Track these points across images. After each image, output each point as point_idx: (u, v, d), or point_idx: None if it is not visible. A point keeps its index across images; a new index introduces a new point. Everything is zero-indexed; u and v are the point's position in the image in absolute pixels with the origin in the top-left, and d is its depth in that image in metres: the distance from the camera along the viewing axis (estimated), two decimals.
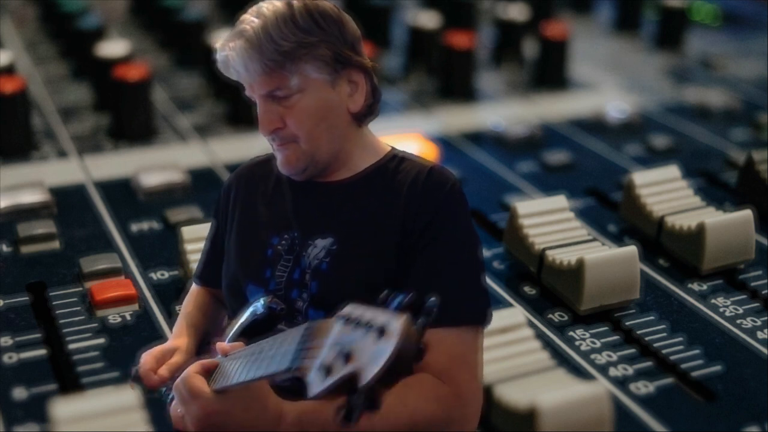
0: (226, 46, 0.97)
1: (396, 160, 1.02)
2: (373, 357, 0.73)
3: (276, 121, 0.97)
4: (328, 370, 0.75)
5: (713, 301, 1.45)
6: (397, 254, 0.96)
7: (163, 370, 1.04)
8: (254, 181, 1.07)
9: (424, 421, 0.93)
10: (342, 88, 0.98)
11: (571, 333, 1.36)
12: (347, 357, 0.74)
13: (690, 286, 1.48)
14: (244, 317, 0.99)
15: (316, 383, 0.76)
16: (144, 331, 1.34)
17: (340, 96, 0.98)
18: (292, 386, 0.93)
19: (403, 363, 0.73)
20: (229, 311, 1.06)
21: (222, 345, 0.96)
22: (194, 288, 1.15)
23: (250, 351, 0.90)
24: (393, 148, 1.04)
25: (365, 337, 0.74)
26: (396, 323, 0.73)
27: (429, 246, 0.96)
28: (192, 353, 1.08)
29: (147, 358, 1.05)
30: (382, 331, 0.73)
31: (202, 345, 1.11)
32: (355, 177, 1.01)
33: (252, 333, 0.97)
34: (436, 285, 0.95)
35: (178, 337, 1.10)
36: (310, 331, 0.81)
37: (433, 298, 0.76)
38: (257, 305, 0.98)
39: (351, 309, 0.78)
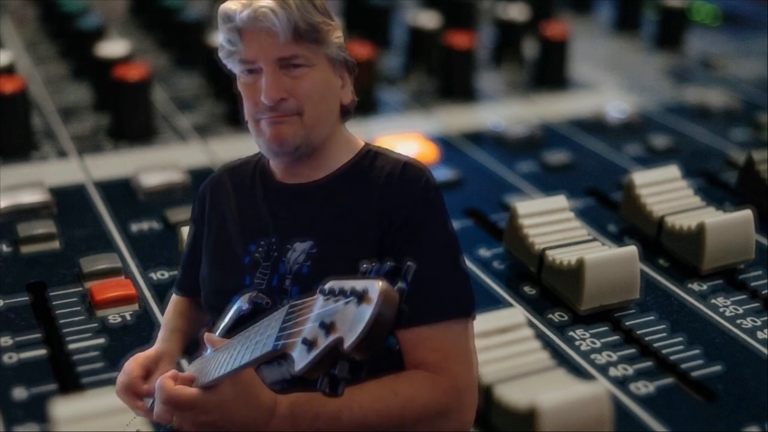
0: (257, 2, 0.95)
1: (370, 156, 1.02)
2: (353, 322, 0.73)
3: (282, 91, 0.97)
4: (311, 345, 0.75)
5: (713, 301, 1.45)
6: (378, 251, 0.96)
7: (154, 381, 1.01)
8: (228, 189, 1.07)
9: (416, 412, 0.93)
10: (338, 79, 1.01)
11: (571, 333, 1.36)
12: (329, 328, 0.75)
13: (690, 286, 1.48)
14: (230, 314, 0.99)
15: (301, 359, 0.76)
16: (144, 331, 1.34)
17: (338, 83, 1.01)
18: (284, 380, 0.94)
19: (384, 327, 0.73)
20: (212, 319, 1.05)
21: (210, 336, 0.96)
22: (175, 297, 1.15)
23: (236, 341, 0.90)
24: (366, 144, 1.05)
25: (346, 306, 0.75)
26: (375, 287, 0.74)
27: (408, 243, 0.96)
28: (177, 359, 1.08)
29: (133, 367, 1.04)
30: (361, 297, 0.74)
31: (188, 349, 1.10)
32: (330, 176, 1.01)
33: (239, 329, 0.97)
34: (419, 283, 0.94)
35: (162, 342, 1.09)
36: (292, 310, 0.82)
37: (409, 263, 0.76)
38: (241, 302, 0.98)
39: (332, 283, 0.78)
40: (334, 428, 0.91)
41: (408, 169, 0.99)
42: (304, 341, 0.76)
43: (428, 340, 0.95)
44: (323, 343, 0.75)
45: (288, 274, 0.97)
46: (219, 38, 1.00)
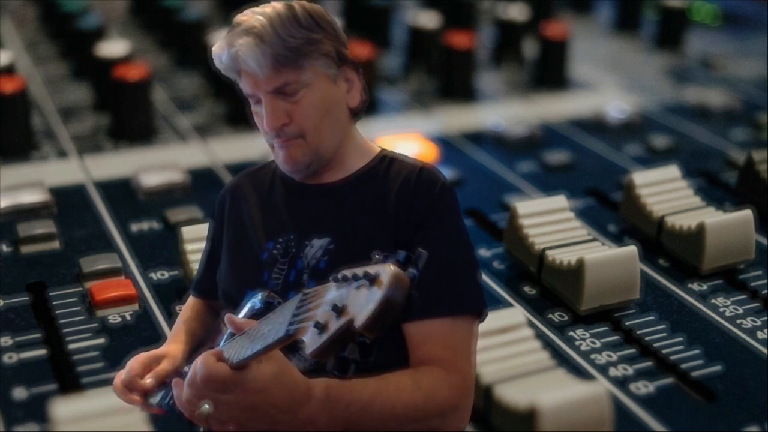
0: (234, 43, 0.97)
1: (386, 161, 1.04)
2: (364, 303, 0.75)
3: (283, 116, 0.98)
4: (323, 328, 0.77)
5: (713, 301, 1.45)
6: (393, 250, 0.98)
7: (149, 378, 1.02)
8: (247, 191, 1.08)
9: (436, 406, 0.94)
10: (341, 84, 1.01)
11: (571, 333, 1.36)
12: (341, 311, 0.77)
13: (690, 286, 1.48)
14: (243, 312, 0.99)
15: (312, 342, 0.78)
16: (144, 331, 1.34)
17: (340, 91, 1.01)
18: (315, 368, 0.94)
19: (394, 309, 0.75)
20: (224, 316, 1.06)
21: (232, 318, 0.95)
22: (192, 299, 1.16)
23: (255, 328, 0.91)
24: (382, 149, 1.06)
25: (358, 290, 0.77)
26: (386, 270, 0.76)
27: (422, 242, 0.97)
28: (182, 360, 1.07)
29: (134, 364, 1.04)
30: (373, 280, 0.76)
31: (194, 353, 1.10)
32: (347, 179, 1.02)
33: None
34: (433, 279, 0.96)
35: (172, 343, 1.10)
36: (305, 297, 0.83)
37: (421, 250, 0.78)
38: (255, 300, 0.99)
39: (344, 271, 0.80)
40: (364, 417, 0.91)
41: (424, 173, 1.01)
42: (316, 325, 0.78)
43: (440, 336, 0.96)
44: (335, 325, 0.76)
45: (305, 269, 0.99)
46: None
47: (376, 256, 0.79)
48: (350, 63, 1.02)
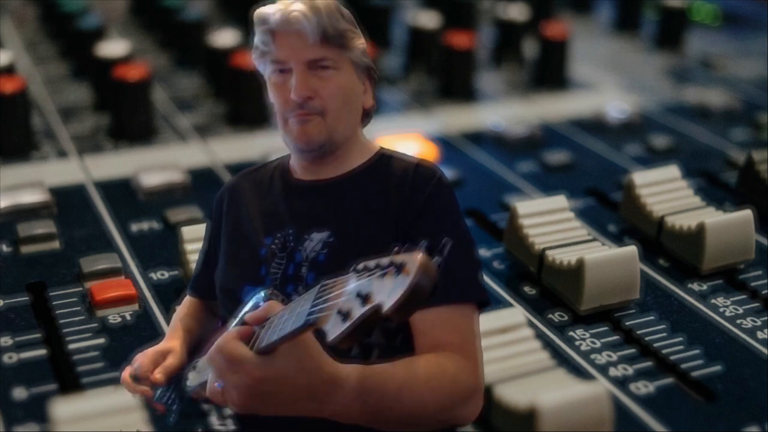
0: (290, 7, 1.01)
1: (384, 158, 1.06)
2: (392, 290, 0.76)
3: (310, 90, 1.01)
4: (346, 315, 0.77)
5: (713, 301, 1.45)
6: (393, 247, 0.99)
7: (159, 374, 1.05)
8: (245, 190, 1.10)
9: (460, 390, 0.95)
10: (361, 84, 1.05)
11: (571, 333, 1.36)
12: (365, 299, 0.77)
13: (690, 286, 1.48)
14: (246, 309, 1.00)
15: (335, 329, 0.78)
16: (144, 331, 1.34)
17: (361, 88, 1.05)
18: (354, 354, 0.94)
19: (421, 296, 0.76)
20: (224, 313, 1.07)
21: (252, 317, 0.94)
22: (188, 298, 1.17)
23: (275, 317, 0.90)
24: (381, 148, 1.09)
25: (383, 278, 0.77)
26: (414, 258, 0.77)
27: (422, 234, 0.99)
28: (185, 356, 1.09)
29: (143, 359, 1.07)
30: (400, 268, 0.77)
31: (193, 352, 1.11)
32: (347, 175, 1.05)
33: None
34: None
35: (171, 339, 1.11)
36: (323, 288, 0.84)
37: (446, 239, 0.79)
38: (259, 297, 0.99)
39: (366, 262, 0.81)
40: (395, 407, 0.91)
41: (420, 168, 1.04)
42: (339, 312, 0.78)
43: (447, 322, 0.97)
44: (359, 312, 0.77)
45: (304, 262, 1.00)
46: (254, 40, 1.05)
47: (396, 248, 0.80)
48: (370, 68, 1.06)
